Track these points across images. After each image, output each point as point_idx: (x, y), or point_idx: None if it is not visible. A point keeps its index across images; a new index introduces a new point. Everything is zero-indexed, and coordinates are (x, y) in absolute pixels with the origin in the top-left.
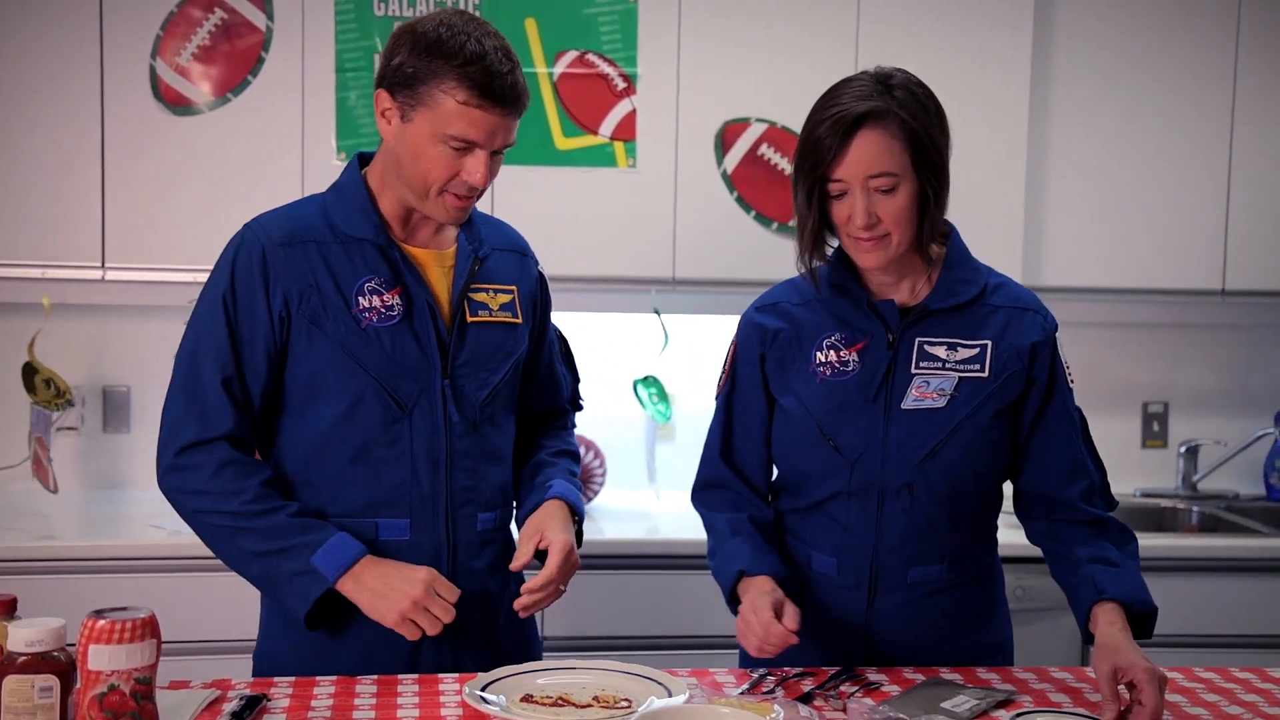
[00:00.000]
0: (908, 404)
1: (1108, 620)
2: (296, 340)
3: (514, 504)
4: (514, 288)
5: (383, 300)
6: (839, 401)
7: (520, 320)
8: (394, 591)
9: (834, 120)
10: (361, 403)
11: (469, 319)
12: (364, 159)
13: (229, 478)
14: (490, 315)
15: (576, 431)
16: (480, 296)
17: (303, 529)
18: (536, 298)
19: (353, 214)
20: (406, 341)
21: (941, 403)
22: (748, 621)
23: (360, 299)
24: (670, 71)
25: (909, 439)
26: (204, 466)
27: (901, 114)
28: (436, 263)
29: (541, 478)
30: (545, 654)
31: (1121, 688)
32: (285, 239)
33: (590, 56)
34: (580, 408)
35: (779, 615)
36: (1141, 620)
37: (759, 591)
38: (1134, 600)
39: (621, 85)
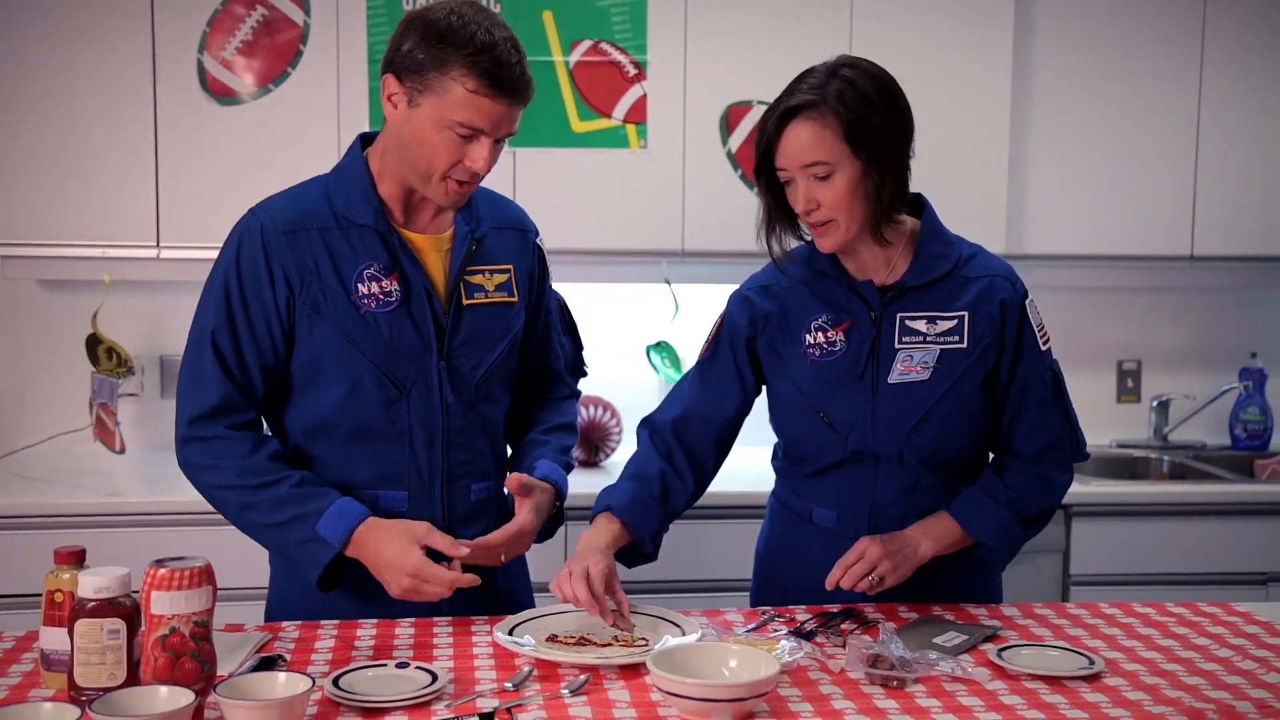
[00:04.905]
0: (893, 378)
1: (920, 523)
2: (299, 324)
3: (505, 475)
4: (510, 266)
5: (381, 286)
6: (830, 380)
7: (516, 299)
8: (389, 580)
9: (774, 112)
10: (360, 385)
11: (465, 302)
12: (366, 139)
13: (231, 453)
14: (486, 297)
15: (599, 394)
16: (476, 279)
17: (303, 499)
18: (534, 272)
19: (354, 199)
20: (404, 326)
21: (925, 375)
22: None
23: (359, 285)
24: (678, 58)
25: (897, 412)
26: (209, 441)
27: (834, 104)
28: (434, 247)
29: (530, 458)
30: None
31: None
32: (289, 226)
33: (603, 45)
34: (584, 374)
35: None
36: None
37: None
38: (962, 517)
39: (633, 72)
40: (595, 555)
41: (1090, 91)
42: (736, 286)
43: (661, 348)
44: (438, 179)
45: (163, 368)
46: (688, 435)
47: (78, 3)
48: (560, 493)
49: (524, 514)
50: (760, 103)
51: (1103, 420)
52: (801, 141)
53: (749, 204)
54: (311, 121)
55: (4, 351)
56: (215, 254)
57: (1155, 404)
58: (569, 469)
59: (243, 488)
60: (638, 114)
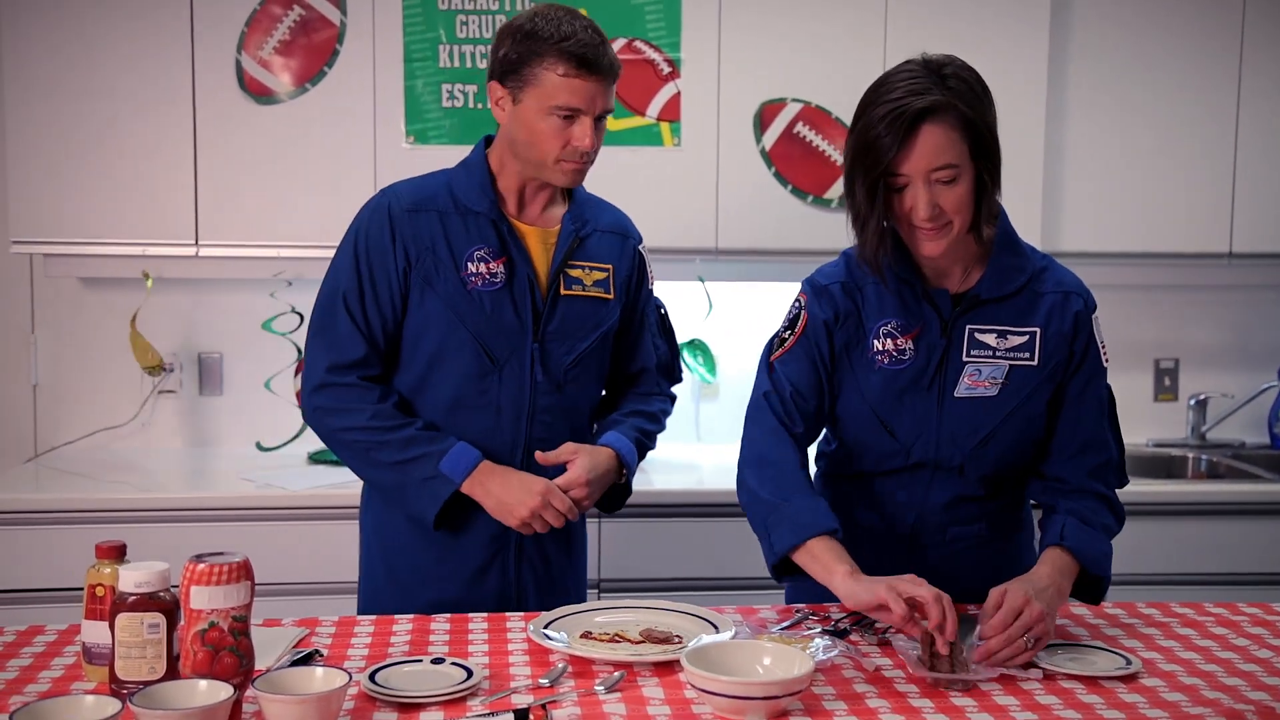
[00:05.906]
0: (960, 392)
1: (1042, 562)
2: (412, 294)
3: None
4: (610, 266)
5: (489, 268)
6: (896, 391)
7: (612, 297)
8: (516, 501)
9: (894, 117)
10: (459, 355)
11: (562, 291)
12: (490, 140)
13: (364, 399)
14: (583, 290)
15: None
16: (576, 272)
17: (430, 440)
18: (632, 275)
19: (472, 190)
20: (505, 305)
21: (994, 391)
22: (889, 611)
23: (469, 264)
24: (712, 56)
25: (962, 426)
26: (344, 388)
27: (960, 105)
28: (541, 239)
29: (601, 429)
30: (603, 594)
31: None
32: (412, 205)
33: (637, 43)
34: (679, 379)
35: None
36: (1095, 587)
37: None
38: (1086, 554)
39: (667, 70)
40: (900, 581)
41: (1127, 86)
42: (768, 284)
43: (695, 345)
44: (553, 163)
45: (200, 365)
46: (800, 410)
47: (116, 3)
48: (622, 459)
49: (572, 469)
50: (795, 100)
51: (1140, 419)
52: (933, 146)
53: (782, 202)
54: (348, 120)
55: (45, 348)
56: (253, 251)
57: (1193, 402)
58: (644, 448)
59: (375, 428)
60: (671, 112)
